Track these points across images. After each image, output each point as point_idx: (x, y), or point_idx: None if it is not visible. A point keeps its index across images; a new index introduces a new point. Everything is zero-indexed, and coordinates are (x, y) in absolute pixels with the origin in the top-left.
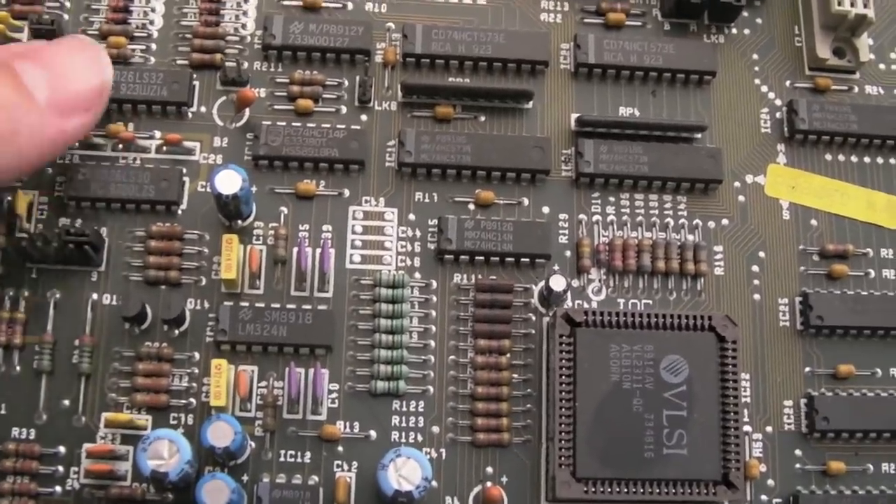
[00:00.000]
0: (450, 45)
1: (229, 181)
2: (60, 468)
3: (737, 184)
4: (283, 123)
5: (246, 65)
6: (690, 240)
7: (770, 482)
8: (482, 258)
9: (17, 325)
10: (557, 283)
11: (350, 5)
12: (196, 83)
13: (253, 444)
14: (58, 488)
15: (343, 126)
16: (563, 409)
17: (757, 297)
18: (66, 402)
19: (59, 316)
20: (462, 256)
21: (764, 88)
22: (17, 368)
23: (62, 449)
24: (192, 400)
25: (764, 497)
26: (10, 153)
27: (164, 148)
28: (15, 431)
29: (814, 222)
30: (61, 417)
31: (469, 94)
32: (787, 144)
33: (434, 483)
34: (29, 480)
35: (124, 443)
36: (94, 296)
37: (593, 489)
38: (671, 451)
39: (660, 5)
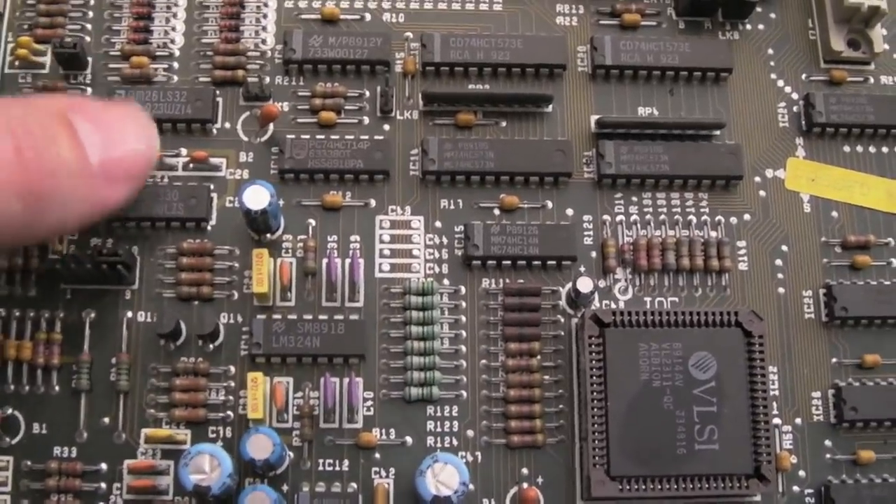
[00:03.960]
0: (468, 52)
1: (257, 197)
2: (103, 485)
3: (757, 179)
4: (307, 136)
5: (268, 80)
6: (713, 236)
7: (801, 473)
8: (509, 263)
9: (54, 346)
10: (584, 284)
11: (368, 16)
12: (219, 100)
13: (291, 455)
14: None
15: (366, 137)
16: (595, 410)
17: (781, 290)
18: (106, 420)
19: (94, 335)
20: (489, 262)
21: (780, 83)
22: (56, 388)
23: (104, 466)
24: (230, 413)
25: (796, 488)
26: (58, 217)
27: (191, 165)
28: (57, 450)
29: (835, 214)
30: (102, 435)
31: (489, 100)
32: (806, 138)
33: (471, 486)
34: (73, 498)
35: (165, 457)
36: (129, 314)
37: (628, 487)
38: (703, 447)
39: (674, 4)
